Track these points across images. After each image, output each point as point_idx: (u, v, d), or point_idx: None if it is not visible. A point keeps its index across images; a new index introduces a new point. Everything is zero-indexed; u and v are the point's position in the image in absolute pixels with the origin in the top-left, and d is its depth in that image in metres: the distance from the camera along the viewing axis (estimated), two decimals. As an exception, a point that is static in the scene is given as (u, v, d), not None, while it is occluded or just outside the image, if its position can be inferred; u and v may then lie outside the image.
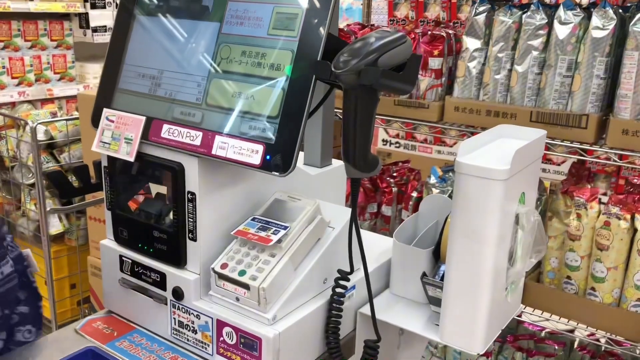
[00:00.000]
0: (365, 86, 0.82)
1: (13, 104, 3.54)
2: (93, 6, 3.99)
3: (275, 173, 0.86)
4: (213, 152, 0.92)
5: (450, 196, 1.42)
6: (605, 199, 1.71)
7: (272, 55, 0.91)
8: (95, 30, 3.92)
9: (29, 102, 3.62)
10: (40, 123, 2.43)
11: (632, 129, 1.61)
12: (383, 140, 4.93)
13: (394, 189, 2.13)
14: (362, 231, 1.30)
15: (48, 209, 1.92)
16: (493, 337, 1.04)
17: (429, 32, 1.92)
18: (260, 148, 0.88)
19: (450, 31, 1.97)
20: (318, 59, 0.86)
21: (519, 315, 2.17)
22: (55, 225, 2.62)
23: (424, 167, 2.44)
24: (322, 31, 0.87)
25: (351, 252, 1.03)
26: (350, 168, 0.88)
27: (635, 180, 2.02)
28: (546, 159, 2.83)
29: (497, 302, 1.01)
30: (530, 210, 1.00)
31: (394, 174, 2.25)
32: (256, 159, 0.88)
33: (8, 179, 2.80)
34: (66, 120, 2.55)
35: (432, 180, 1.93)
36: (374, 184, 2.21)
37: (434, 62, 1.89)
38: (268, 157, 0.87)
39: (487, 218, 0.93)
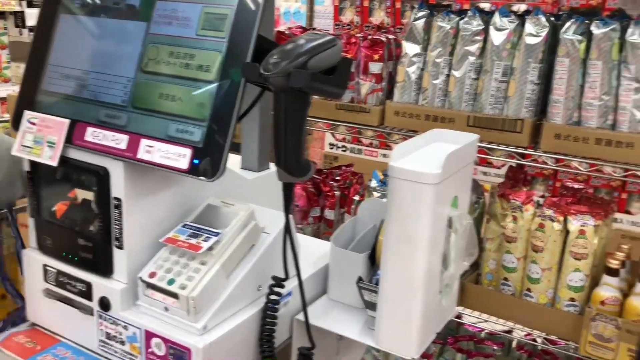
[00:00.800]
0: (295, 89, 0.80)
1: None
2: (30, 4, 3.85)
3: (203, 178, 0.84)
4: (139, 156, 0.88)
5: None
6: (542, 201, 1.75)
7: (201, 56, 0.88)
8: (31, 29, 3.77)
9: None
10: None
11: (564, 134, 1.66)
12: (330, 144, 4.94)
13: (337, 193, 2.13)
14: (301, 236, 1.29)
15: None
16: (428, 341, 1.04)
17: (370, 37, 1.93)
18: (187, 152, 0.85)
19: (391, 36, 1.98)
20: (247, 60, 0.84)
21: (459, 317, 2.20)
22: (-15, 233, 2.49)
23: (370, 171, 2.45)
24: (252, 32, 0.85)
25: (285, 258, 1.01)
26: (282, 172, 0.86)
27: (569, 184, 2.09)
28: (487, 163, 2.90)
29: (431, 306, 1.01)
30: (463, 213, 1.01)
31: (337, 178, 2.25)
32: (183, 163, 0.85)
33: None
34: (-4, 122, 2.43)
35: (374, 183, 1.94)
36: (317, 188, 2.20)
37: (375, 67, 1.90)
38: (196, 161, 0.84)
39: (419, 222, 0.93)
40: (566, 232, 1.64)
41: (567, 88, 1.64)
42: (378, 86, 1.92)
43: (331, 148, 4.93)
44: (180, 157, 0.85)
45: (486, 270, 1.86)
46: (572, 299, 1.66)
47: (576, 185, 1.94)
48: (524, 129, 1.70)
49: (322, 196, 2.19)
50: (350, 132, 2.01)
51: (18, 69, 3.85)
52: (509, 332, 2.12)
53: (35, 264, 1.06)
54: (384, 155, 3.89)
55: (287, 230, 0.97)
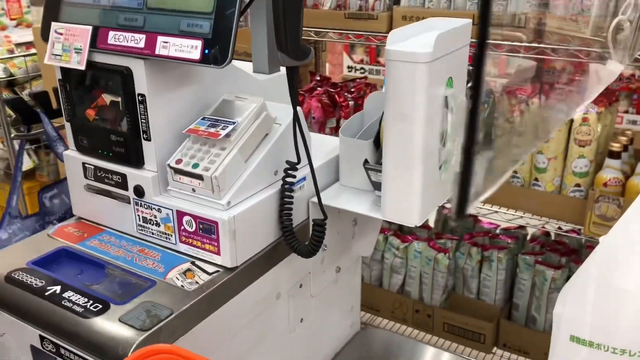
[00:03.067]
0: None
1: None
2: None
3: (214, 65, 0.93)
4: (156, 52, 0.98)
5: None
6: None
7: (204, -46, 0.96)
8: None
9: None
10: (-3, 60, 2.43)
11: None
12: (348, 67, 4.96)
13: (351, 103, 2.21)
14: (315, 134, 1.40)
15: (12, 135, 1.96)
16: (429, 212, 1.15)
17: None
18: (198, 43, 0.94)
19: (397, -59, 2.00)
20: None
21: (475, 216, 2.31)
22: (25, 162, 2.66)
23: (378, 83, 2.51)
24: None
25: (296, 142, 1.12)
26: (284, 57, 0.95)
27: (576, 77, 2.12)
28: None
29: (430, 180, 1.11)
30: (457, 92, 1.09)
31: (352, 90, 2.32)
32: (196, 54, 0.95)
33: (-28, 121, 2.81)
34: (24, 56, 2.55)
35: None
36: (332, 100, 2.28)
37: (381, -28, 1.93)
38: (206, 51, 0.94)
39: (415, 100, 1.02)
40: (570, 120, 1.71)
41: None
42: (385, -8, 1.95)
43: (349, 70, 4.94)
44: (192, 49, 0.95)
45: (496, 166, 1.95)
46: (578, 185, 1.75)
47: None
48: (527, 25, 1.74)
49: (337, 107, 2.27)
50: (356, 40, 2.06)
51: (39, 14, 3.92)
52: (523, 227, 2.23)
53: (75, 163, 1.19)
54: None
55: (295, 116, 1.07)
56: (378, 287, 2.35)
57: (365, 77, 2.46)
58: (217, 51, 0.92)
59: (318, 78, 2.48)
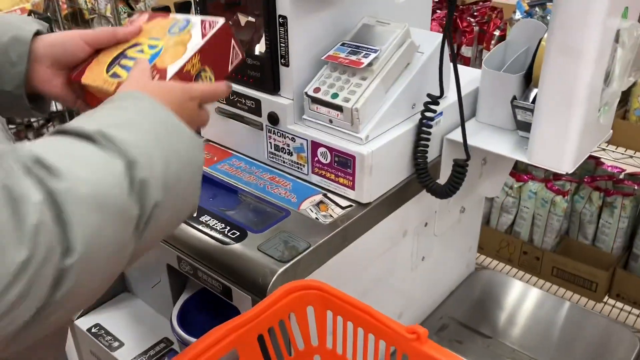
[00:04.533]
0: None
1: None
2: None
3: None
4: (305, -30, 0.91)
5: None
6: None
7: None
8: None
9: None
10: (114, -27, 2.43)
11: None
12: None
13: (475, 29, 2.05)
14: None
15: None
16: (582, 158, 1.05)
17: None
18: (354, -38, 0.86)
19: None
20: None
21: (597, 158, 2.15)
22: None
23: (506, 7, 2.32)
24: None
25: (442, 74, 1.03)
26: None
27: None
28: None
29: (589, 123, 1.00)
30: (634, 24, 0.96)
31: (475, 14, 2.16)
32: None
33: (89, 34, 2.88)
34: (138, -31, 2.54)
35: (517, 16, 1.84)
36: (453, 24, 2.13)
37: None
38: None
39: (587, 33, 0.90)
40: None
41: None
42: None
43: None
44: (346, -32, 0.87)
45: (635, 106, 1.77)
46: None
47: None
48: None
49: (458, 33, 2.12)
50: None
51: None
52: (652, 172, 2.05)
53: (207, 85, 1.17)
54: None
55: (448, 45, 0.98)
56: (484, 225, 2.27)
57: (490, 0, 2.27)
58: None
59: None
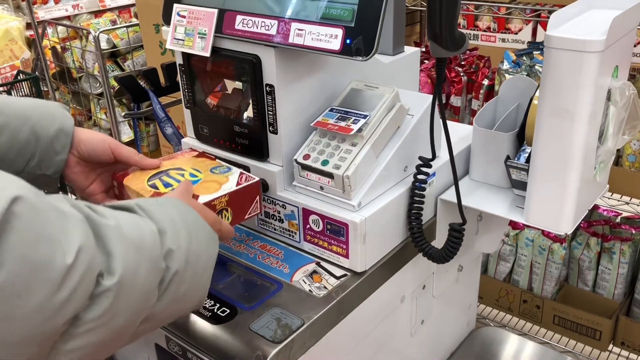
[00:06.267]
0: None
1: (68, 18, 3.57)
2: None
3: (358, 57, 0.84)
4: (290, 40, 0.90)
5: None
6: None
7: None
8: None
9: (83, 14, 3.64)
10: (102, 31, 2.44)
11: None
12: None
13: (464, 78, 2.06)
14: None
15: (123, 113, 1.97)
16: (580, 217, 1.02)
17: None
18: (339, 32, 0.85)
19: None
20: None
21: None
22: (126, 133, 2.70)
23: (490, 55, 2.33)
24: None
25: (433, 137, 1.02)
26: (436, 47, 0.84)
27: None
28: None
29: (585, 182, 0.98)
30: (625, 84, 0.94)
31: (462, 63, 2.16)
32: (336, 44, 0.85)
33: (77, 90, 2.88)
34: (127, 27, 2.55)
35: (505, 65, 1.85)
36: (441, 74, 2.13)
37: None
38: (348, 41, 0.84)
39: (579, 94, 0.89)
40: None
41: None
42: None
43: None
44: (332, 38, 0.86)
45: (628, 152, 1.76)
46: None
47: None
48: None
49: (447, 83, 2.13)
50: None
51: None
52: (649, 216, 2.03)
53: (194, 151, 1.14)
54: (503, 40, 3.66)
55: (439, 108, 0.96)
56: (482, 274, 2.23)
57: (476, 49, 2.28)
58: (360, 41, 0.83)
59: (423, 49, 2.33)
